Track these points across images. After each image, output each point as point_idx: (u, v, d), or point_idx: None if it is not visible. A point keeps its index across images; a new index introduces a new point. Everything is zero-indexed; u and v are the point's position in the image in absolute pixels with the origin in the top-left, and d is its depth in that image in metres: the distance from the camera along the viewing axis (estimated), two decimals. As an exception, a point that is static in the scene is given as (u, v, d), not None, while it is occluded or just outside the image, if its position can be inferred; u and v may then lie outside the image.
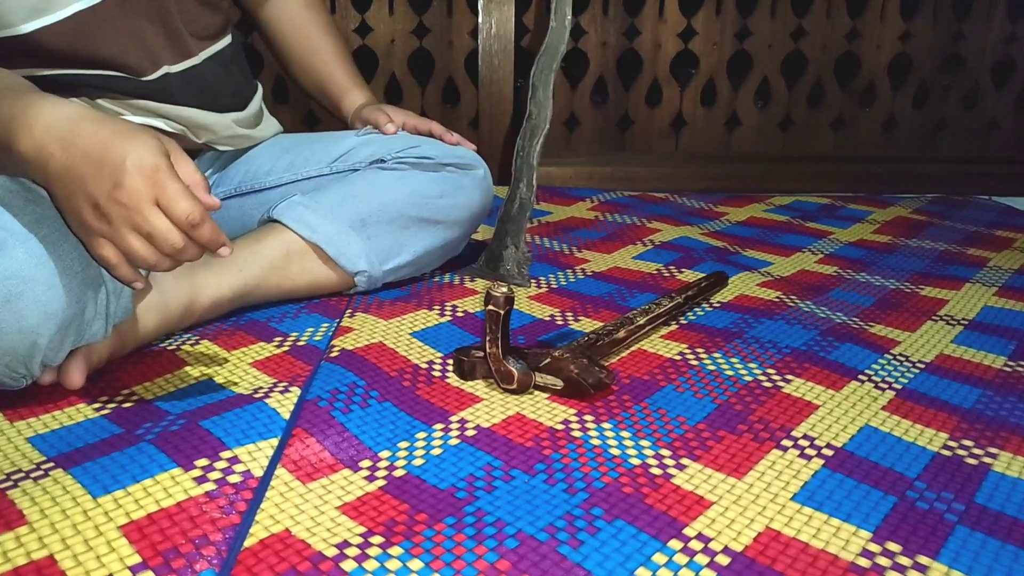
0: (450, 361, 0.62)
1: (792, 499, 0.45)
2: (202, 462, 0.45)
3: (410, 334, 0.66)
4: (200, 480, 0.44)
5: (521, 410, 0.54)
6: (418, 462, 0.48)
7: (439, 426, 0.52)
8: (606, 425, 0.52)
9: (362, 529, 0.41)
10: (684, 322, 0.71)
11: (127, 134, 0.49)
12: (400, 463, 0.48)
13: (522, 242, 0.50)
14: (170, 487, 0.43)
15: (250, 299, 0.71)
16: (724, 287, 0.81)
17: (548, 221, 1.09)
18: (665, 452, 0.49)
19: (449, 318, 0.70)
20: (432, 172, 0.79)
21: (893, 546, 0.40)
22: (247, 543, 0.39)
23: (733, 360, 0.63)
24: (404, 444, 0.50)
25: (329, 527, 0.41)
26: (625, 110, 1.32)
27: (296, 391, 0.55)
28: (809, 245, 1.01)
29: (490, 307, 0.55)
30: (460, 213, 0.80)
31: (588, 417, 0.53)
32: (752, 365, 0.62)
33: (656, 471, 0.47)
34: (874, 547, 0.40)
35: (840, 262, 0.94)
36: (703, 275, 0.82)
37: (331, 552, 0.39)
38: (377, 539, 0.40)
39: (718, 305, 0.76)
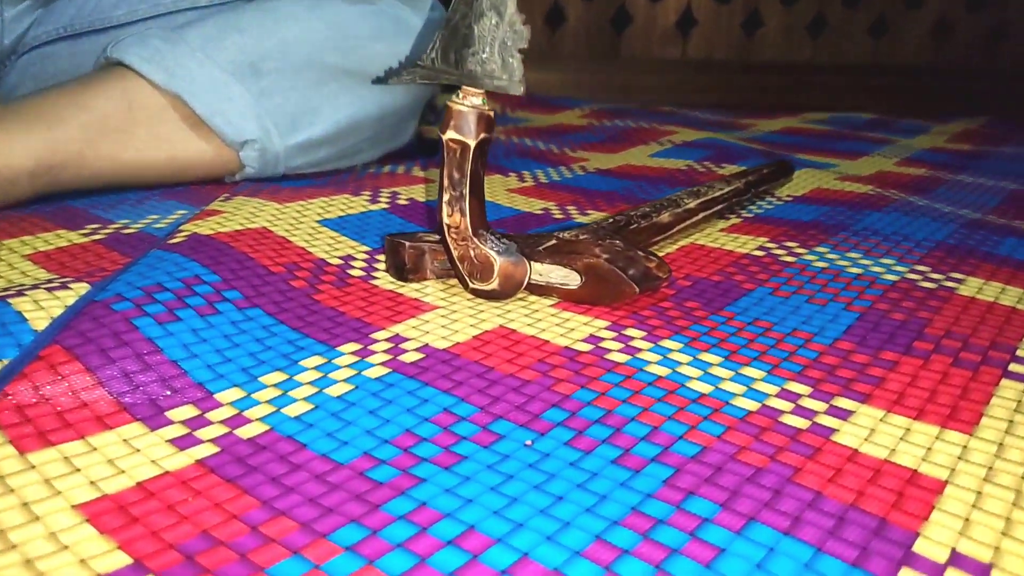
0: (380, 257, 0.38)
1: (1103, 473, 0.21)
2: None
3: (317, 222, 0.41)
4: None
5: (508, 322, 0.30)
6: (296, 410, 0.23)
7: (350, 347, 0.28)
8: (670, 344, 0.28)
9: (123, 560, 0.17)
10: (748, 215, 0.48)
11: None
12: (257, 412, 0.23)
13: (510, 6, 0.25)
14: None
15: (68, 177, 0.45)
16: (789, 180, 0.58)
17: (526, 127, 0.85)
18: (798, 387, 0.25)
19: (385, 205, 0.46)
20: (362, 3, 0.54)
21: None
22: None
23: (853, 255, 0.39)
24: (274, 377, 0.25)
25: (41, 553, 0.17)
26: (621, 4, 1.08)
27: (82, 288, 0.30)
28: (876, 150, 0.78)
29: (450, 135, 0.31)
30: (405, 69, 0.55)
31: (634, 332, 0.29)
32: (888, 261, 0.38)
33: (795, 421, 0.23)
34: None
35: (927, 165, 0.71)
36: (756, 167, 0.58)
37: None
38: (150, 588, 0.16)
39: (789, 199, 0.53)
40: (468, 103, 0.30)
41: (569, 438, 0.22)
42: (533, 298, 0.33)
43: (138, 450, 0.21)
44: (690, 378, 0.26)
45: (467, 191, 0.31)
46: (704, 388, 0.25)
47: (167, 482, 0.20)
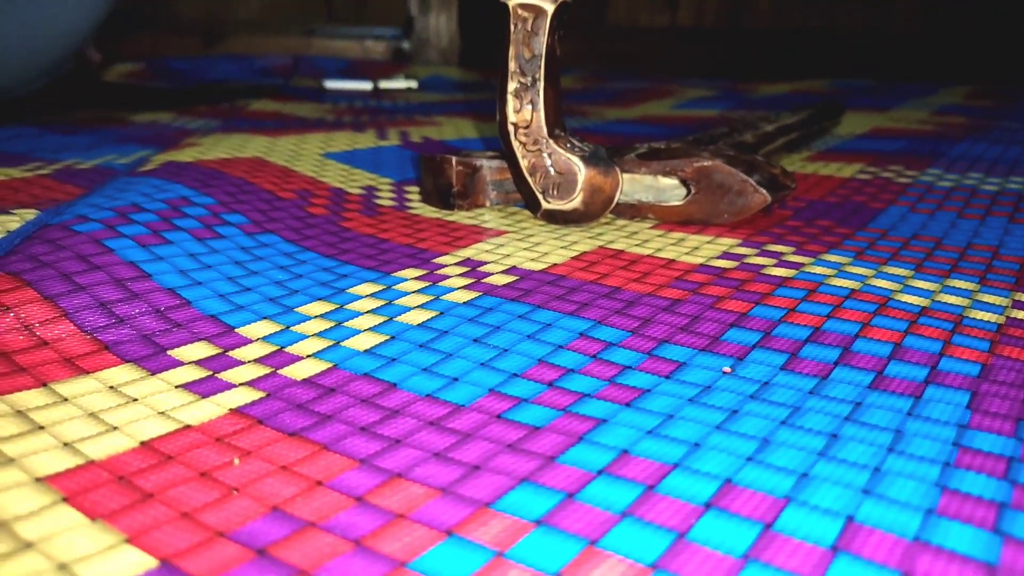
0: (410, 188, 0.30)
1: None
2: None
3: (321, 155, 0.34)
4: None
5: (607, 243, 0.23)
6: (365, 342, 0.16)
7: (411, 272, 0.21)
8: (835, 258, 0.22)
9: (140, 561, 0.09)
10: (820, 149, 0.42)
11: None
12: (306, 347, 0.16)
13: None
14: None
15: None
16: (838, 122, 0.52)
17: (518, 91, 0.78)
18: (1036, 298, 0.19)
19: (397, 142, 0.38)
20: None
21: None
22: None
23: (975, 175, 0.33)
24: (316, 308, 0.18)
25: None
26: (604, -33, 1.02)
27: (29, 214, 0.23)
28: (901, 105, 0.73)
29: None
30: None
31: (778, 248, 0.23)
32: (1018, 178, 0.32)
33: (1072, 333, 0.17)
34: None
35: (963, 115, 0.66)
36: (808, 105, 0.53)
37: None
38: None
39: (853, 136, 0.47)
40: (545, -43, 0.24)
41: (783, 362, 0.15)
42: (622, 222, 0.26)
43: (135, 399, 0.14)
44: (891, 291, 0.19)
45: (541, 76, 0.24)
46: (919, 301, 0.18)
47: (191, 440, 0.12)
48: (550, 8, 0.24)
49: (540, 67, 0.24)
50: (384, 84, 0.70)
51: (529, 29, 0.24)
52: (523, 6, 0.24)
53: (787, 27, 1.09)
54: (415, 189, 0.30)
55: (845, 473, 0.11)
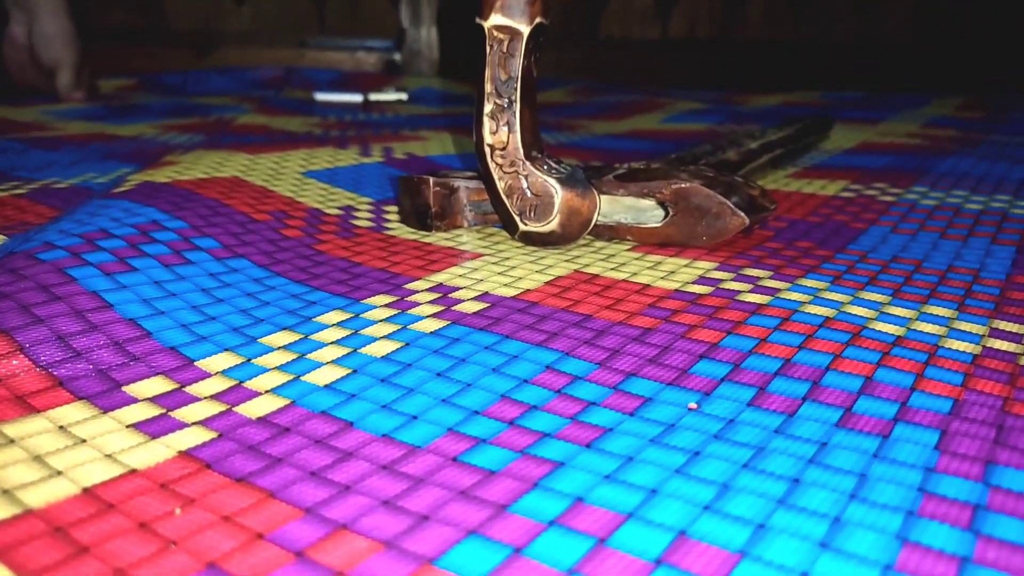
0: (389, 208, 0.30)
1: None
2: None
3: (301, 173, 0.33)
4: None
5: (583, 267, 0.23)
6: (326, 376, 0.16)
7: (381, 299, 0.20)
8: (812, 283, 0.22)
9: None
10: (806, 165, 0.42)
11: None
12: (265, 381, 0.16)
13: None
14: None
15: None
16: (826, 136, 0.52)
17: (509, 103, 0.78)
18: (1013, 327, 0.19)
19: (380, 159, 0.38)
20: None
21: None
22: None
23: (960, 192, 0.33)
24: (281, 338, 0.18)
25: None
26: (596, -21, 1.02)
27: (-6, 239, 0.22)
28: (891, 117, 0.73)
29: (495, 21, 0.23)
30: None
31: (755, 272, 0.23)
32: (1003, 197, 0.32)
33: (1048, 365, 0.16)
34: None
35: (952, 128, 0.66)
36: (797, 119, 0.52)
37: None
38: None
39: (841, 151, 0.47)
40: (520, -22, 0.23)
41: (750, 397, 0.15)
42: (599, 244, 0.26)
43: (83, 440, 0.13)
44: (867, 319, 0.19)
45: (517, 98, 0.24)
46: (894, 330, 0.18)
47: (135, 486, 0.12)
48: (526, 30, 0.23)
49: (516, 88, 0.24)
50: (375, 96, 0.70)
51: (505, 50, 0.24)
52: (499, 28, 0.23)
53: (780, 38, 1.09)
54: (395, 209, 0.30)
55: (804, 523, 0.11)
